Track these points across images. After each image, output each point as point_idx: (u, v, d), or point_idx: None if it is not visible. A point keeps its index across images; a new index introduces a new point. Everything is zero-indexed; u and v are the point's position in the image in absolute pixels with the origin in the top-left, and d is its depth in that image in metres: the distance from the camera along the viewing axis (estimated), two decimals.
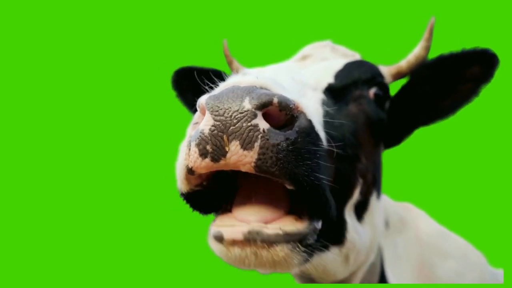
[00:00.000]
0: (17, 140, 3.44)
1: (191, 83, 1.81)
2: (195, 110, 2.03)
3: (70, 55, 3.54)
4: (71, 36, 3.54)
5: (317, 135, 0.93)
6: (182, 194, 1.01)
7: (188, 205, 1.06)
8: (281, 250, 0.88)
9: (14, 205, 3.34)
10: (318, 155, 0.91)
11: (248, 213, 0.95)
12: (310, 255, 0.94)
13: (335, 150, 1.03)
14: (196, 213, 1.09)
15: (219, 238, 0.92)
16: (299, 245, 0.91)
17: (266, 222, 0.92)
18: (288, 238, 0.89)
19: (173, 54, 3.20)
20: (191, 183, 0.96)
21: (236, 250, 0.89)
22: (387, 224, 2.02)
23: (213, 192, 1.02)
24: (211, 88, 0.98)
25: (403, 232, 2.09)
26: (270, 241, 0.88)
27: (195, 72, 1.80)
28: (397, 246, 2.03)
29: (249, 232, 0.88)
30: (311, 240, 0.94)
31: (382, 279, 1.68)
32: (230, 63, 1.83)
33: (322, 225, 1.00)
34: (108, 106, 3.50)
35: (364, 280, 1.58)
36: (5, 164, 3.40)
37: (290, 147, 0.85)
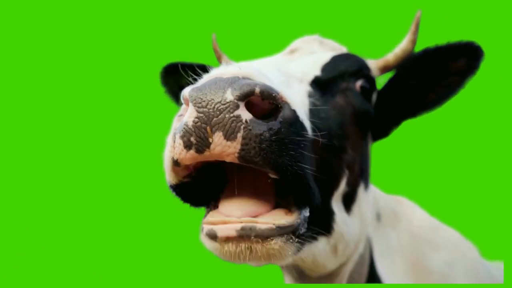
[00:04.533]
0: (16, 140, 3.44)
1: (180, 79, 1.81)
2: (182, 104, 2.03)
3: (59, 52, 3.53)
4: (61, 33, 3.54)
5: (301, 125, 0.94)
6: (171, 187, 1.02)
7: (178, 198, 1.07)
8: (275, 244, 0.90)
9: (14, 205, 3.34)
10: (302, 145, 0.92)
11: (233, 208, 0.97)
12: (302, 244, 0.97)
13: (320, 140, 1.04)
14: (188, 206, 1.10)
15: (213, 236, 0.93)
16: (293, 237, 0.93)
17: (254, 217, 0.94)
18: (281, 232, 0.91)
19: (162, 50, 3.21)
20: (179, 175, 0.98)
21: (231, 247, 0.90)
22: (379, 217, 2.03)
23: (203, 185, 1.03)
24: (195, 80, 0.98)
25: (396, 225, 2.10)
26: (264, 236, 0.89)
27: (182, 67, 1.81)
28: (390, 239, 2.04)
29: (242, 228, 0.90)
30: (303, 230, 0.96)
31: (372, 270, 1.69)
32: (219, 58, 1.84)
33: (310, 213, 1.01)
34: (98, 102, 3.50)
35: (354, 272, 1.59)
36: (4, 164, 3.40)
37: (273, 137, 0.86)
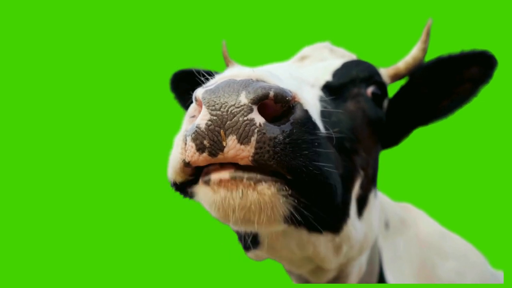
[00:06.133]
0: (16, 140, 3.46)
1: (190, 86, 1.82)
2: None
3: (67, 57, 3.57)
4: (69, 38, 3.58)
5: (313, 124, 0.94)
6: (175, 185, 1.01)
7: (179, 194, 1.06)
8: (267, 188, 0.87)
9: (13, 205, 3.35)
10: (316, 144, 0.91)
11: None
12: (296, 208, 0.92)
13: (334, 135, 1.04)
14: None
15: (207, 181, 0.92)
16: (286, 187, 0.89)
17: None
18: (275, 178, 0.88)
19: (171, 56, 3.22)
20: (187, 174, 0.97)
21: (222, 192, 0.89)
22: (387, 224, 2.02)
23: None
24: (207, 79, 0.98)
25: (404, 233, 2.09)
26: (256, 179, 0.87)
27: (193, 73, 1.82)
28: (398, 247, 2.03)
29: (236, 171, 0.88)
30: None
31: (381, 280, 1.68)
32: (228, 66, 1.84)
33: (324, 210, 1.00)
34: (107, 108, 3.52)
35: (362, 281, 1.58)
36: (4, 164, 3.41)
37: (287, 140, 0.86)
